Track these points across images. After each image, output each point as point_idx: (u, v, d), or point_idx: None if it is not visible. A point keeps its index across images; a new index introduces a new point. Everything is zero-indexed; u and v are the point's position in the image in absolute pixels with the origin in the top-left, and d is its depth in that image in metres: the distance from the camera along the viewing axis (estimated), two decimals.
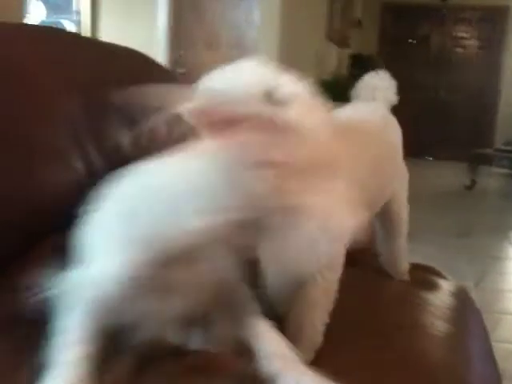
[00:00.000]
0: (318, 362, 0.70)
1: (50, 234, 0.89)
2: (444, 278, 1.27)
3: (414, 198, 4.33)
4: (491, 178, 6.26)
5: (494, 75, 7.54)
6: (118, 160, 1.07)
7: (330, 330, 0.75)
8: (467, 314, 1.12)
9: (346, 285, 0.85)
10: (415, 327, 0.92)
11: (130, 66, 1.24)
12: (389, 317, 0.90)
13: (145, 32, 4.27)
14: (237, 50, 4.27)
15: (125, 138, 1.11)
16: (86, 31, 4.33)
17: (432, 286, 1.17)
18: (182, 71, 4.35)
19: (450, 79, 7.80)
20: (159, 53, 4.29)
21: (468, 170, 5.58)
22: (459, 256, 3.29)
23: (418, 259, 1.38)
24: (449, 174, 6.60)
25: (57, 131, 0.93)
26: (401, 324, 0.88)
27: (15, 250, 0.81)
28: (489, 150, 5.85)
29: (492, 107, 7.57)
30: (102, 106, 1.05)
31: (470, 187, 5.54)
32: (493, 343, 2.06)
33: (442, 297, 1.11)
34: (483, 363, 0.99)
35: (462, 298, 1.16)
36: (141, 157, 1.13)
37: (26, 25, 1.08)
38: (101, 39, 1.20)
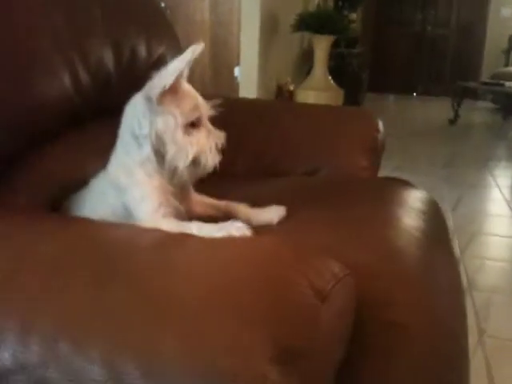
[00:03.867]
0: (289, 234, 0.79)
1: (39, 139, 0.96)
2: (416, 188, 1.36)
3: (401, 133, 4.51)
4: (475, 112, 6.33)
5: (481, 10, 7.45)
6: (102, 77, 1.12)
7: (301, 219, 0.83)
8: (435, 217, 1.20)
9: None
10: (386, 221, 0.99)
11: None
12: (359, 209, 0.99)
13: None
14: None
15: (107, 54, 1.16)
16: None
17: (405, 191, 1.24)
18: (162, 5, 4.27)
19: (437, 14, 7.70)
20: None
21: (452, 103, 5.62)
22: (441, 184, 3.40)
23: None
24: (435, 109, 6.64)
25: (45, 42, 0.97)
26: (371, 215, 0.96)
27: (3, 149, 0.87)
28: (473, 83, 5.87)
29: (479, 42, 7.52)
30: (83, 19, 1.09)
31: (454, 121, 5.61)
32: (465, 259, 2.20)
33: (412, 200, 1.19)
34: (446, 266, 1.08)
35: (432, 206, 1.25)
36: (124, 76, 1.18)
37: None
38: None
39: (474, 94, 5.76)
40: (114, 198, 0.83)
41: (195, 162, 0.81)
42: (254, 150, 1.44)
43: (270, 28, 4.02)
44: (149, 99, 0.81)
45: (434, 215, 1.17)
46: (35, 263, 0.54)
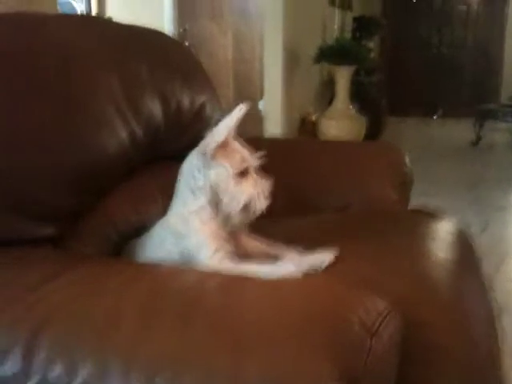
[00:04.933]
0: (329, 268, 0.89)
1: (98, 189, 1.06)
2: (443, 219, 1.43)
3: (423, 157, 4.59)
4: (497, 133, 6.35)
5: (498, 29, 7.53)
6: (153, 129, 1.24)
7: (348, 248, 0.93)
8: (465, 248, 1.27)
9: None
10: (419, 253, 1.07)
11: (154, 43, 1.39)
12: (392, 243, 1.07)
13: (151, 8, 4.36)
14: (241, 20, 4.36)
15: (156, 108, 1.27)
16: (93, 10, 4.44)
17: (434, 224, 1.32)
18: (187, 44, 4.46)
19: (453, 36, 7.81)
20: (165, 27, 4.40)
21: (474, 125, 5.68)
22: (468, 208, 3.44)
23: None
24: (455, 131, 6.69)
25: (103, 101, 1.08)
26: (404, 249, 1.05)
27: (68, 205, 0.98)
28: (494, 105, 5.93)
29: (496, 62, 7.59)
30: (135, 79, 1.21)
31: (476, 142, 5.65)
32: (497, 282, 2.24)
33: (442, 232, 1.27)
34: (476, 289, 1.15)
35: (460, 236, 1.32)
36: (171, 130, 1.29)
37: (69, 15, 1.23)
38: (130, 23, 1.34)
39: (494, 116, 5.80)
40: (171, 244, 0.94)
41: (246, 207, 0.91)
42: (287, 188, 1.53)
43: (291, 61, 4.16)
44: (203, 155, 0.91)
45: (462, 245, 1.25)
46: (130, 306, 0.64)
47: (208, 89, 1.55)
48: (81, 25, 1.18)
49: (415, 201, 2.44)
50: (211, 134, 0.93)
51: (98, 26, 1.25)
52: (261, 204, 0.92)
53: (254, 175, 0.94)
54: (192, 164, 0.95)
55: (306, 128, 4.36)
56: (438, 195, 3.66)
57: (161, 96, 1.27)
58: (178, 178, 0.99)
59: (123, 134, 1.11)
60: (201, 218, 0.93)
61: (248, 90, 4.41)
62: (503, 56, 7.55)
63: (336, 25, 5.51)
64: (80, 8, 4.40)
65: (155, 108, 1.24)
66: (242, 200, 0.91)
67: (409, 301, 0.84)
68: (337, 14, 5.54)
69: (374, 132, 5.27)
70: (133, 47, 1.27)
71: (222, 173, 0.91)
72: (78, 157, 1.00)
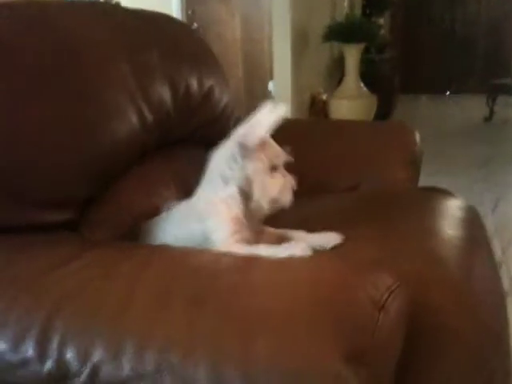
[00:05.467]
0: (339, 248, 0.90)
1: (111, 174, 1.08)
2: (455, 197, 1.44)
3: (436, 134, 4.55)
4: (510, 108, 6.27)
5: (509, 5, 7.38)
6: (163, 114, 1.25)
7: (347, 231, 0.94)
8: (475, 225, 1.28)
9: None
10: (429, 232, 1.08)
11: (164, 28, 1.40)
12: (402, 222, 1.08)
13: None
14: (249, 1, 4.32)
15: (166, 93, 1.28)
16: None
17: (444, 201, 1.33)
18: (195, 26, 4.44)
19: (465, 12, 7.67)
20: (174, 9, 4.37)
21: (487, 101, 5.61)
22: (479, 185, 3.43)
23: None
24: (468, 107, 6.61)
25: (115, 91, 1.10)
26: (415, 229, 1.06)
27: (82, 191, 1.00)
28: (507, 80, 5.84)
29: (508, 37, 7.45)
30: (145, 66, 1.22)
31: (489, 118, 5.59)
32: (508, 260, 2.24)
33: (452, 209, 1.27)
34: (486, 267, 1.16)
35: (471, 213, 1.32)
36: (181, 114, 1.31)
37: (83, 3, 1.24)
38: (138, 7, 1.34)
39: (507, 90, 5.72)
40: (195, 224, 0.96)
41: (274, 200, 0.94)
42: (298, 170, 1.54)
43: (300, 41, 4.13)
44: (243, 147, 0.93)
45: (473, 222, 1.25)
46: (143, 289, 0.66)
47: (216, 72, 1.56)
48: (89, 13, 1.19)
49: (427, 180, 2.44)
50: (249, 125, 0.94)
51: (106, 13, 1.25)
52: (288, 198, 0.95)
53: (283, 170, 0.97)
54: (228, 153, 0.96)
55: (317, 108, 4.34)
56: (449, 173, 3.64)
57: (170, 81, 1.29)
58: (210, 164, 1.00)
59: (134, 121, 1.13)
60: (227, 204, 0.95)
61: (258, 71, 4.39)
62: None
63: (345, 1, 5.45)
64: None
65: (165, 93, 1.26)
66: (272, 193, 0.94)
67: (418, 281, 0.85)
68: None
69: (385, 110, 5.23)
70: (143, 34, 1.28)
71: (259, 166, 0.94)
72: (91, 145, 1.02)
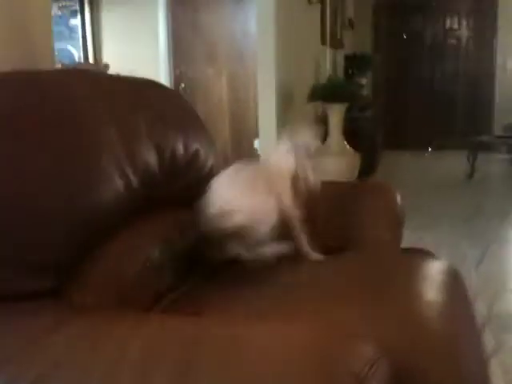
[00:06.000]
0: (320, 314, 0.91)
1: (96, 238, 1.09)
2: (437, 258, 1.46)
3: (420, 190, 4.65)
4: (491, 164, 6.43)
5: (488, 63, 7.69)
6: (148, 177, 1.27)
7: (333, 296, 0.95)
8: (456, 288, 1.29)
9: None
10: (411, 296, 1.09)
11: (152, 95, 1.44)
12: (384, 286, 1.09)
13: (147, 53, 4.47)
14: (235, 62, 4.46)
15: (152, 158, 1.31)
16: (89, 55, 4.55)
17: (427, 264, 1.35)
18: (183, 86, 4.55)
19: (444, 71, 7.96)
20: (162, 71, 4.50)
21: (467, 158, 5.75)
22: (463, 241, 3.47)
23: (427, 246, 1.58)
24: (450, 164, 6.76)
25: (102, 156, 1.12)
26: (395, 292, 1.07)
27: (67, 256, 1.00)
28: (487, 137, 6.01)
29: (488, 94, 7.72)
30: (133, 132, 1.25)
31: (471, 175, 5.71)
32: (492, 318, 2.24)
33: (434, 272, 1.29)
34: (468, 324, 1.17)
35: (452, 275, 1.34)
36: (166, 178, 1.33)
37: (68, 70, 1.28)
38: (129, 75, 1.38)
39: (487, 147, 5.88)
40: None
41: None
42: None
43: (285, 101, 4.24)
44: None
45: (454, 285, 1.27)
46: (128, 363, 0.66)
47: (202, 135, 1.60)
48: (80, 80, 1.22)
49: (412, 235, 2.48)
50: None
51: (95, 80, 1.30)
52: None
53: None
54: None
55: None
56: (434, 229, 3.69)
57: (156, 146, 1.31)
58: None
59: (120, 185, 1.15)
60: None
61: (244, 130, 4.48)
62: (494, 88, 7.68)
63: (328, 63, 5.64)
64: (77, 53, 4.52)
65: (151, 158, 1.29)
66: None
67: (401, 348, 0.85)
68: (328, 52, 5.68)
69: (369, 167, 5.32)
70: (131, 101, 1.32)
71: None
72: (77, 208, 1.03)
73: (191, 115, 1.60)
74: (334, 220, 1.53)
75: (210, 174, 1.55)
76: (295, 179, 1.45)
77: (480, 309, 2.31)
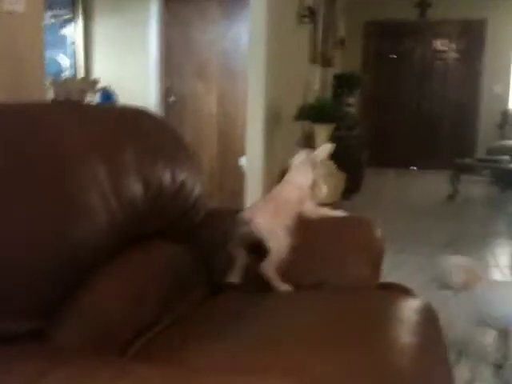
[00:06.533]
0: (295, 359, 0.93)
1: (80, 276, 1.10)
2: (412, 295, 1.51)
3: (401, 212, 4.71)
4: (473, 187, 6.53)
5: (474, 86, 7.83)
6: (135, 212, 1.29)
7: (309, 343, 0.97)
8: (430, 328, 1.33)
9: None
10: (385, 341, 1.13)
11: (141, 126, 1.46)
12: (360, 330, 1.12)
13: (138, 65, 4.50)
14: (226, 79, 4.50)
15: (139, 190, 1.33)
16: (80, 64, 4.56)
17: (402, 304, 1.39)
18: (172, 99, 4.58)
19: (432, 92, 8.09)
20: (151, 83, 4.53)
21: (450, 179, 5.84)
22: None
23: (408, 269, 1.63)
24: (433, 184, 6.86)
25: (88, 192, 1.14)
26: (371, 337, 1.10)
27: (50, 296, 1.01)
28: (470, 160, 6.11)
29: (473, 117, 7.86)
30: (120, 167, 1.27)
31: (453, 196, 5.80)
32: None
33: (408, 313, 1.33)
34: (441, 367, 1.21)
35: (427, 314, 1.38)
36: (152, 210, 1.35)
37: (53, 103, 1.30)
38: (116, 105, 1.41)
39: (470, 170, 5.98)
40: None
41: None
42: None
43: (273, 119, 4.29)
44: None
45: (428, 325, 1.31)
46: None
47: (190, 164, 1.62)
48: (69, 116, 1.24)
49: (394, 258, 2.53)
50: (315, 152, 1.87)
51: (84, 113, 1.32)
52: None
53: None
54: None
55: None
56: (415, 252, 3.74)
57: (144, 179, 1.33)
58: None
59: (104, 221, 1.16)
60: None
61: (231, 146, 4.51)
62: (479, 112, 7.82)
63: (317, 82, 5.70)
64: (68, 61, 4.52)
65: (137, 191, 1.31)
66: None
67: None
68: (318, 71, 5.74)
69: (353, 185, 5.39)
70: (119, 134, 1.34)
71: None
72: (61, 247, 1.04)
73: (179, 144, 1.62)
74: (313, 257, 1.56)
75: (195, 206, 1.57)
76: (314, 187, 1.82)
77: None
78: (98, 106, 1.49)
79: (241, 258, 1.56)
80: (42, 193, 1.04)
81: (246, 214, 1.60)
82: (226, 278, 1.54)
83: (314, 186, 1.81)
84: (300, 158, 1.89)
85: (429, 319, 1.35)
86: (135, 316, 1.17)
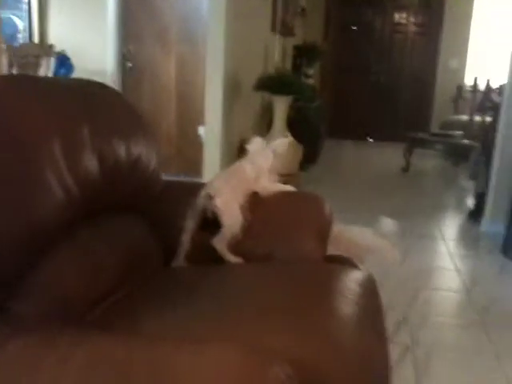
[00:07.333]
0: (242, 327, 1.00)
1: (40, 251, 1.14)
2: (356, 267, 1.60)
3: (357, 182, 4.92)
4: (428, 159, 6.74)
5: (431, 60, 7.99)
6: (91, 187, 1.32)
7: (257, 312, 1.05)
8: (370, 298, 1.43)
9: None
10: (327, 309, 1.21)
11: (95, 100, 1.47)
12: (305, 301, 1.21)
13: (95, 28, 4.39)
14: (185, 45, 4.46)
15: (94, 165, 1.36)
16: (35, 27, 4.42)
17: (346, 276, 1.48)
18: (130, 65, 4.52)
19: (391, 64, 8.21)
20: (109, 48, 4.44)
21: (404, 153, 6.02)
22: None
23: None
24: (389, 155, 7.04)
25: (42, 167, 1.16)
26: (315, 307, 1.18)
27: (10, 268, 1.05)
28: (424, 134, 6.29)
29: (429, 91, 8.04)
30: (76, 144, 1.30)
31: (406, 169, 5.99)
32: (410, 316, 2.43)
33: (351, 284, 1.42)
34: (377, 336, 1.30)
35: (368, 286, 1.48)
36: (109, 185, 1.38)
37: (7, 76, 1.30)
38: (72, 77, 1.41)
39: (424, 144, 6.16)
40: None
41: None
42: None
43: (232, 88, 4.29)
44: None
45: (370, 297, 1.40)
46: None
47: (145, 137, 1.64)
48: (23, 90, 1.25)
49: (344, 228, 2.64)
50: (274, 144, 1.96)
51: (39, 89, 1.32)
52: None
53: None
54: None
55: (245, 154, 4.48)
56: (365, 222, 3.88)
57: (99, 155, 1.36)
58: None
59: (61, 197, 1.19)
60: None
61: (191, 113, 4.51)
62: (435, 86, 8.00)
63: (278, 52, 5.71)
64: (22, 24, 4.38)
65: (93, 167, 1.33)
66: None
67: (316, 366, 0.97)
68: (278, 40, 5.74)
69: (311, 156, 5.48)
70: (74, 108, 1.35)
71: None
72: (18, 222, 1.08)
73: (134, 118, 1.64)
74: (264, 229, 1.63)
75: (151, 179, 1.61)
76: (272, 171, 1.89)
77: (399, 306, 2.50)
78: (53, 80, 1.48)
79: (186, 242, 1.61)
80: None
81: (208, 190, 1.66)
82: (172, 263, 1.59)
83: (271, 171, 1.89)
84: (255, 145, 1.97)
85: (370, 290, 1.45)
86: (93, 286, 1.21)
